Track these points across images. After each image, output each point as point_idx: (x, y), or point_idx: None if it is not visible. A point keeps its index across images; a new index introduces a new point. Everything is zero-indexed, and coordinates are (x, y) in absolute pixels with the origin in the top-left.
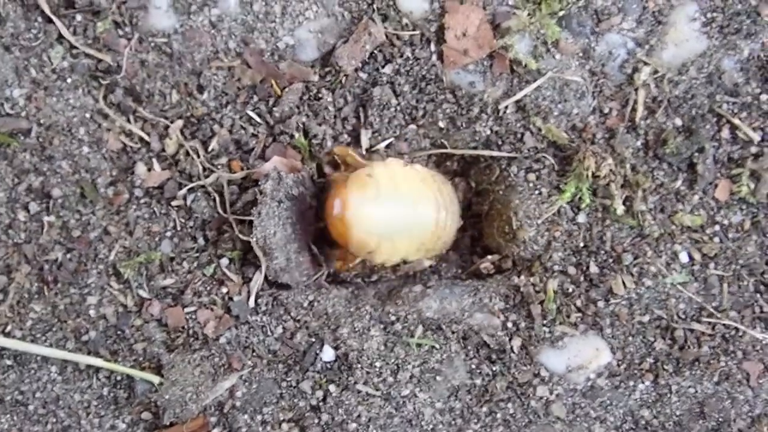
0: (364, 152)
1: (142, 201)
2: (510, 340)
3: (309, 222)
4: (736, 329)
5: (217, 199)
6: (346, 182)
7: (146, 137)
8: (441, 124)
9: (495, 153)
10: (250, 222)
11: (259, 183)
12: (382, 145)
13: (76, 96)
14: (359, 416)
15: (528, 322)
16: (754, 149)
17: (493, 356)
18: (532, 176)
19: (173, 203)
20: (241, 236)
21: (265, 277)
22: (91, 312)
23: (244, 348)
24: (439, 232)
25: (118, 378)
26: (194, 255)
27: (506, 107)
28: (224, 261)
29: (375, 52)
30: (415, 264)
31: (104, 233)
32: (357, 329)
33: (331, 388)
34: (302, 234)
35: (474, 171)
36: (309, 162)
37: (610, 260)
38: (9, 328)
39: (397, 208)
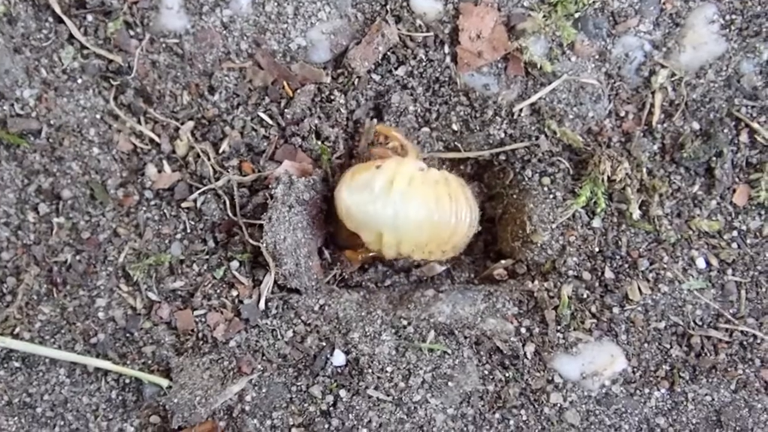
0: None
1: (152, 203)
2: (523, 345)
3: (320, 226)
4: (754, 336)
5: (227, 201)
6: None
7: (157, 138)
8: (454, 127)
9: (507, 148)
10: (261, 225)
11: (270, 187)
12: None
13: (86, 97)
14: (370, 422)
15: (542, 328)
16: None
17: (506, 362)
18: (546, 180)
19: (183, 205)
20: (251, 241)
21: (275, 280)
22: (100, 314)
23: (253, 352)
24: (452, 238)
25: (127, 381)
26: (204, 257)
27: (521, 110)
28: (234, 264)
29: (388, 53)
30: (427, 269)
31: (114, 235)
32: (368, 334)
33: (342, 393)
34: (313, 238)
35: (488, 174)
36: (325, 163)
37: (626, 265)
38: (17, 329)
39: (393, 203)
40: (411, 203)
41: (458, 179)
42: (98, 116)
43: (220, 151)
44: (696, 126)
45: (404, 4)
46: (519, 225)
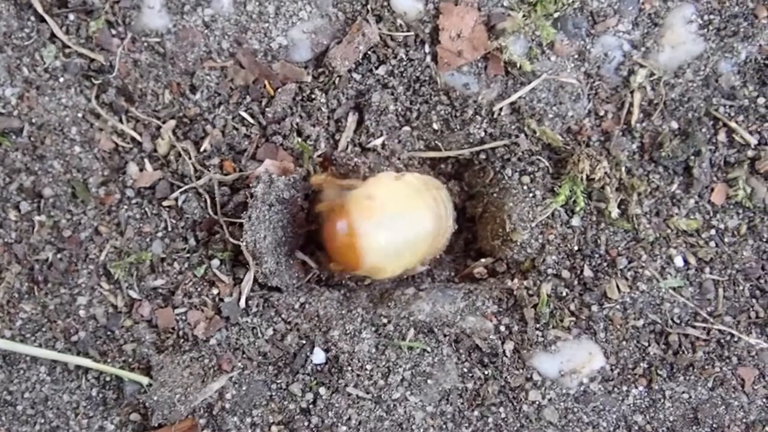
0: (348, 152)
1: (133, 201)
2: (503, 343)
3: (300, 225)
4: (731, 334)
5: (209, 200)
6: (344, 208)
7: (138, 137)
8: (435, 126)
9: (486, 146)
10: (241, 223)
11: (250, 186)
12: (377, 142)
13: (68, 95)
14: (349, 419)
15: (521, 326)
16: (750, 153)
17: (486, 360)
18: (526, 179)
19: (164, 204)
20: (231, 239)
21: (255, 279)
22: (81, 312)
23: (234, 349)
24: (438, 240)
25: (107, 379)
26: (185, 256)
27: (501, 109)
28: (215, 262)
29: (369, 53)
30: (411, 269)
31: (95, 233)
32: (348, 332)
33: (321, 390)
34: (293, 237)
35: (468, 173)
36: (306, 162)
37: (605, 264)
38: None
39: (401, 226)
40: (419, 215)
41: (427, 180)
42: (80, 115)
43: (202, 149)
44: (674, 125)
45: (385, 3)
46: (499, 223)
